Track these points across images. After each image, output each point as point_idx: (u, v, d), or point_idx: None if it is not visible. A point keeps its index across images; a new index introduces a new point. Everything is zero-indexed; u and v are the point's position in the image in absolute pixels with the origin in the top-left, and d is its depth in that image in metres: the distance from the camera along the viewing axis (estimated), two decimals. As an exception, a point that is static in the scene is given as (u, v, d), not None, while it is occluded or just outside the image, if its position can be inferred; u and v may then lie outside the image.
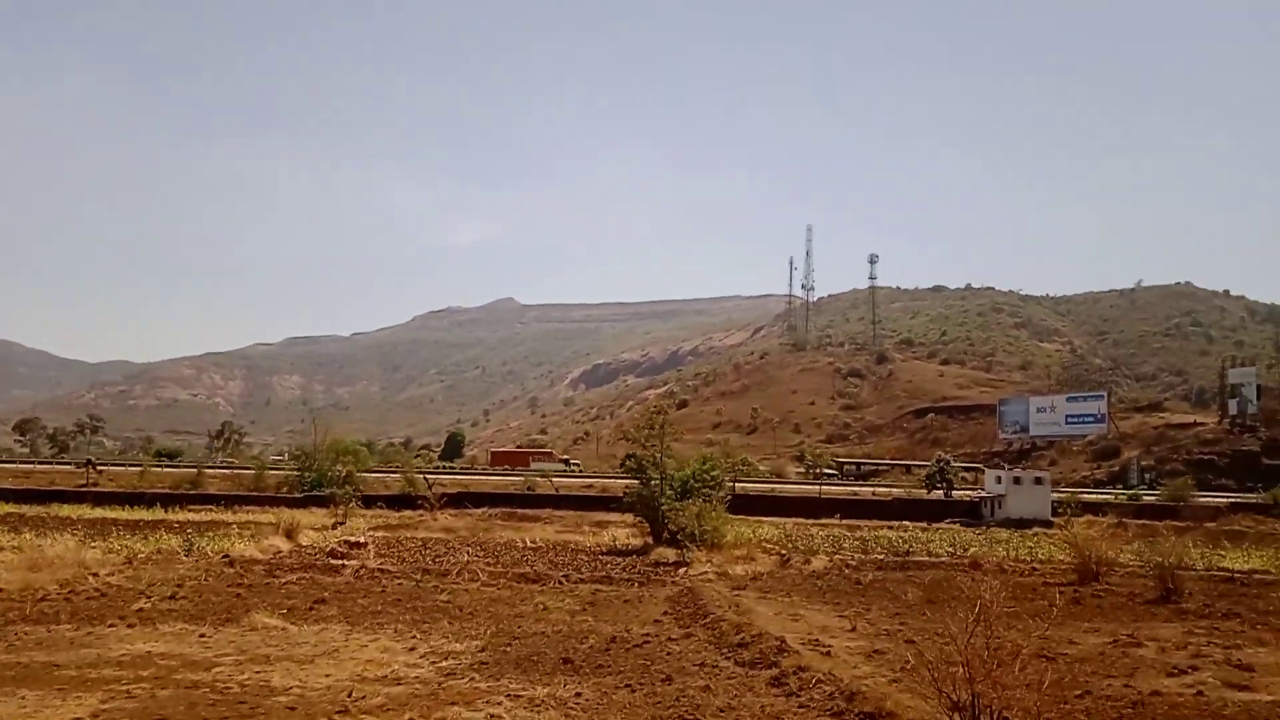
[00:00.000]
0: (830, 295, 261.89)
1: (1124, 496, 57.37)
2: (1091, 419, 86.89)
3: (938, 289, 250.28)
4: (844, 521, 45.39)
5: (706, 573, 21.81)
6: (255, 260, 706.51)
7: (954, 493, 56.68)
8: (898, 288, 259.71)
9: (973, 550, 30.54)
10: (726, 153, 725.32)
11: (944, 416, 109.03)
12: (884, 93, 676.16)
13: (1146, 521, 47.26)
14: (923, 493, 56.86)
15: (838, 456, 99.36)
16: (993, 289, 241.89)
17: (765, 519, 44.97)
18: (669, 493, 26.48)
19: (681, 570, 22.63)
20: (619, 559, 25.30)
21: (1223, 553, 33.71)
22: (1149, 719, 9.65)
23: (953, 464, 62.82)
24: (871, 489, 60.47)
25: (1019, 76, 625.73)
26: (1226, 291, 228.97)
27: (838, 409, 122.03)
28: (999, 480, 49.94)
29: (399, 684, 10.10)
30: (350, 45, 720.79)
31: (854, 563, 25.30)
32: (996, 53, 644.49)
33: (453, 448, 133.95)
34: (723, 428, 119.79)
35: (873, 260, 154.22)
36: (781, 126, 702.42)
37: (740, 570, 22.54)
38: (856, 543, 32.29)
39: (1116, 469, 77.37)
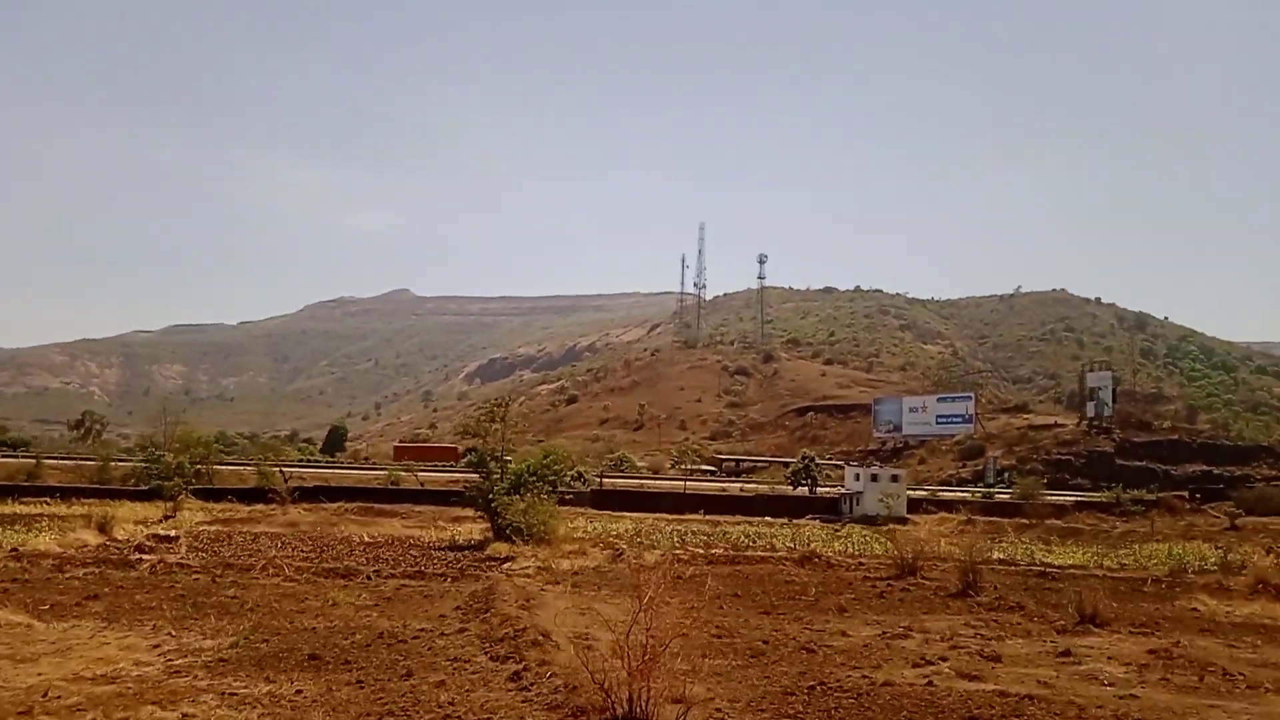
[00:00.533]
0: (726, 294, 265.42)
1: (979, 494, 59.65)
2: (960, 419, 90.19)
3: (828, 290, 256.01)
4: (707, 517, 45.99)
5: (528, 568, 21.71)
6: (135, 244, 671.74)
7: (819, 490, 58.08)
8: (790, 288, 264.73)
9: (814, 545, 31.23)
10: (629, 147, 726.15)
11: (824, 415, 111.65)
12: (783, 93, 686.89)
13: (994, 518, 49.42)
14: (789, 489, 58.14)
15: (720, 453, 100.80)
16: (881, 291, 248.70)
17: (630, 514, 45.31)
18: (499, 487, 26.24)
19: (507, 565, 22.52)
20: (451, 554, 25.03)
21: (1050, 548, 35.50)
22: (867, 708, 9.90)
23: (818, 461, 64.26)
24: (740, 485, 61.39)
25: (913, 82, 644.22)
26: (1098, 299, 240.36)
27: (723, 406, 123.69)
28: (857, 478, 51.35)
29: (111, 683, 9.68)
30: (241, 19, 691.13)
31: (686, 557, 25.55)
32: (888, 56, 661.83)
33: (334, 441, 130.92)
34: (610, 424, 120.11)
35: (761, 260, 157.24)
36: (683, 123, 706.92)
37: (566, 565, 22.51)
38: (704, 538, 32.82)
39: (980, 467, 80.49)
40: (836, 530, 43.37)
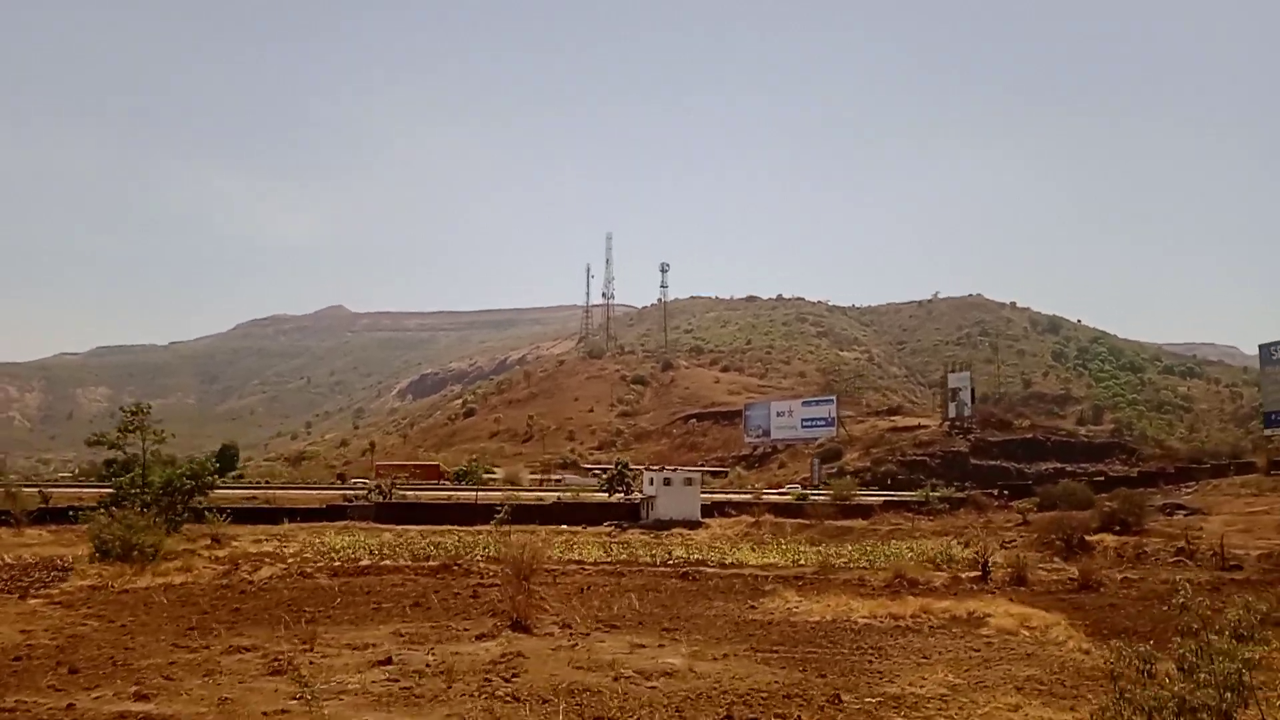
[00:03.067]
0: (653, 305, 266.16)
1: (794, 496, 59.88)
2: (823, 423, 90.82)
3: (751, 299, 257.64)
4: (495, 528, 45.65)
5: (83, 585, 21.09)
6: (58, 263, 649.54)
7: (635, 495, 57.84)
8: (716, 297, 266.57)
9: (528, 553, 30.77)
10: (568, 158, 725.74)
11: (709, 422, 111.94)
12: (708, 106, 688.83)
13: (779, 519, 49.73)
14: (604, 495, 57.90)
15: (600, 462, 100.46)
16: (803, 299, 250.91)
17: (415, 526, 44.55)
18: (141, 498, 25.52)
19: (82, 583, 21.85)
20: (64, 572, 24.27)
21: (794, 547, 35.63)
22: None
23: (631, 466, 64.10)
24: (538, 494, 61.21)
25: (831, 91, 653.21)
26: (1013, 303, 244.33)
27: (615, 416, 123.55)
28: (651, 482, 51.22)
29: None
30: (166, 20, 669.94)
31: (310, 570, 25.04)
32: (805, 63, 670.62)
33: (226, 460, 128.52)
34: (500, 436, 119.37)
35: (664, 269, 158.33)
36: (614, 132, 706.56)
37: (144, 583, 21.89)
38: (412, 549, 32.18)
39: (833, 470, 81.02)
40: (612, 537, 43.31)
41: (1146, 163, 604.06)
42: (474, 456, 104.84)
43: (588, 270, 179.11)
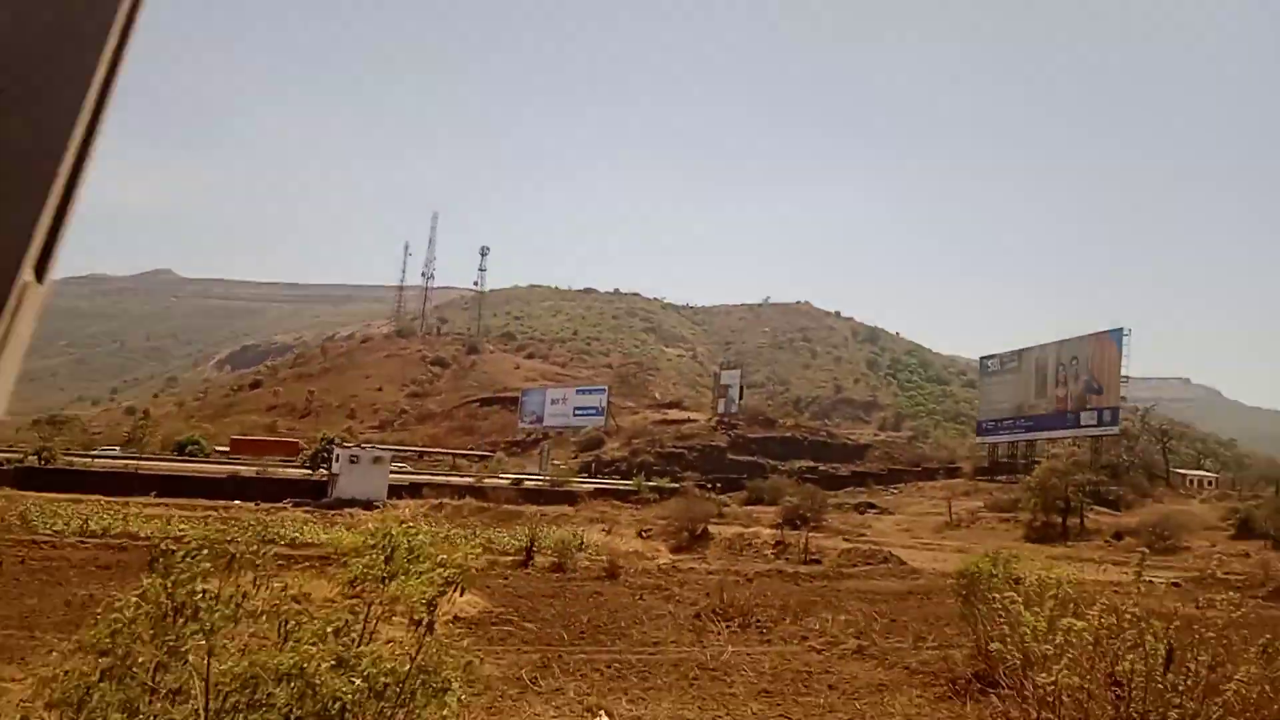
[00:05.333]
0: (493, 290, 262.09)
1: (509, 482, 58.69)
2: (594, 411, 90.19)
3: (589, 291, 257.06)
4: (158, 500, 42.41)
5: None
6: None
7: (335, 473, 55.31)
8: (555, 287, 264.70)
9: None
10: (412, 134, 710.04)
11: (495, 407, 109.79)
12: (572, 105, 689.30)
13: (461, 502, 48.42)
14: (307, 472, 55.18)
15: (370, 443, 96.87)
16: (638, 295, 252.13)
17: (63, 495, 40.89)
18: None
19: None
20: None
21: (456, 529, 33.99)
22: None
23: (339, 443, 61.49)
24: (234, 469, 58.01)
25: (682, 99, 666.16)
26: (838, 313, 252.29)
27: (404, 396, 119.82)
28: (337, 459, 48.95)
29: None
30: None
31: None
32: (656, 70, 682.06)
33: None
34: (277, 410, 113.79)
35: (483, 252, 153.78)
36: (463, 113, 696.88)
37: None
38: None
39: (592, 459, 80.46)
40: (268, 514, 40.73)
41: (974, 184, 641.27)
42: (243, 432, 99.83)
43: (405, 248, 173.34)
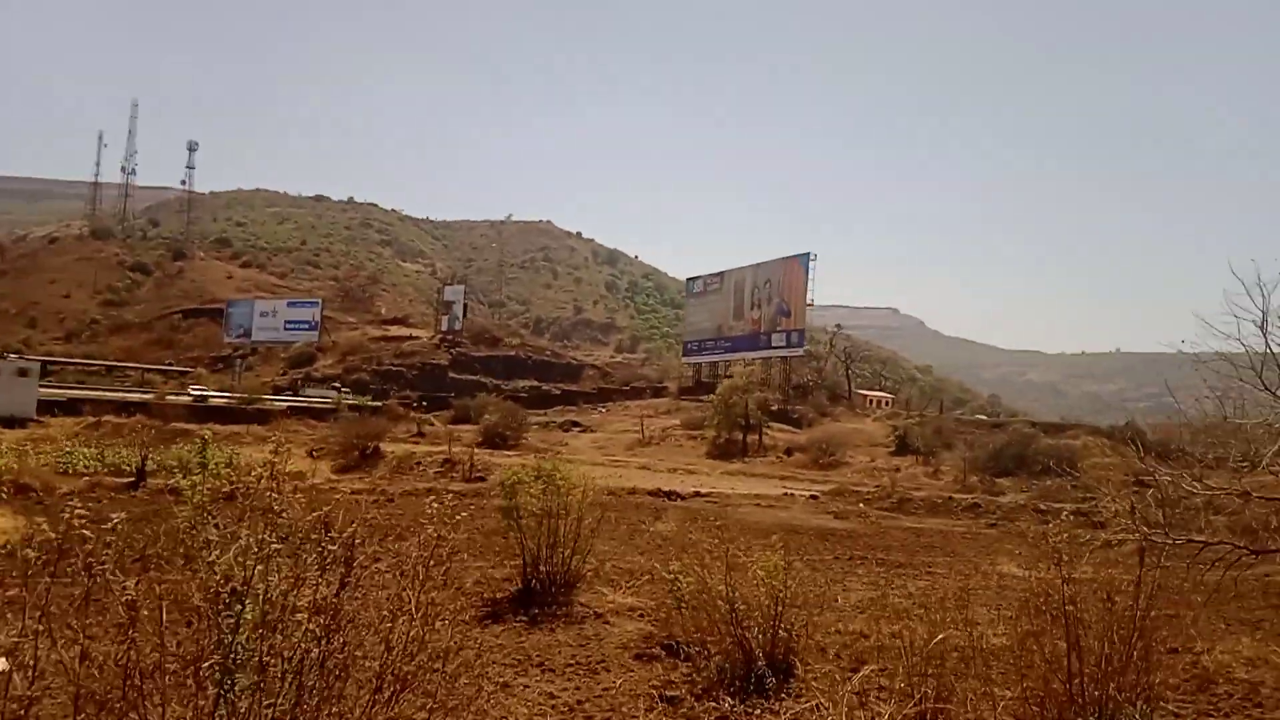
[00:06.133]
0: (214, 193, 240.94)
1: (190, 398, 54.86)
2: (306, 326, 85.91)
3: (320, 199, 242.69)
4: None
5: None
6: None
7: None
8: (283, 193, 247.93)
9: None
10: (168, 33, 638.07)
11: (202, 319, 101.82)
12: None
13: (123, 420, 44.78)
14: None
15: (54, 355, 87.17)
16: (375, 205, 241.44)
17: None
18: None
19: None
20: None
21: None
22: None
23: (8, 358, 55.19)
24: None
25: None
26: (579, 233, 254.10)
27: (97, 305, 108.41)
28: (-14, 373, 43.61)
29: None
30: None
31: None
32: None
33: None
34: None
35: (191, 148, 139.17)
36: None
37: None
38: None
39: (302, 375, 76.75)
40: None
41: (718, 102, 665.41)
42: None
43: (100, 138, 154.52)
